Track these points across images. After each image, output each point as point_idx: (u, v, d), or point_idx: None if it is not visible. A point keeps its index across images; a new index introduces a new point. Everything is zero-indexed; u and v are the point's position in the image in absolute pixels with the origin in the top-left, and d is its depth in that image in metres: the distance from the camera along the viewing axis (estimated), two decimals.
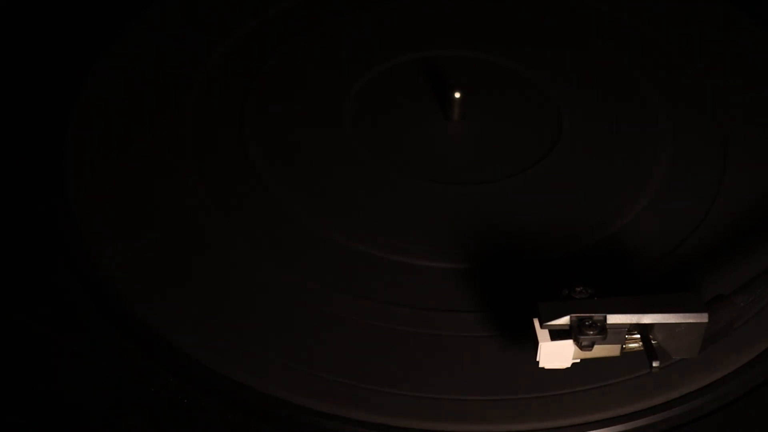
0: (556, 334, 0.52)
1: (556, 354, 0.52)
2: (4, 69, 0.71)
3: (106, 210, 0.62)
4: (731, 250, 0.60)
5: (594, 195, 0.64)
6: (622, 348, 0.53)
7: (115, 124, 0.67)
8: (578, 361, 0.53)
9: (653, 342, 0.52)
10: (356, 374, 0.55)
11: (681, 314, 0.51)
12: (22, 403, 0.54)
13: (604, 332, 0.51)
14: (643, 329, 0.52)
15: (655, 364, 0.51)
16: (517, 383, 0.55)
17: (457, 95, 0.67)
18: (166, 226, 0.62)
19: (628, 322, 0.51)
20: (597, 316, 0.51)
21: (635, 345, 0.52)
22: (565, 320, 0.51)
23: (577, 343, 0.51)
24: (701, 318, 0.52)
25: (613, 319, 0.51)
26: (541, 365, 0.53)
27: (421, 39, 0.73)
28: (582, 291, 0.52)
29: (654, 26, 0.74)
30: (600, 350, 0.52)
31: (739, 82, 0.71)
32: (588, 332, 0.51)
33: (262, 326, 0.57)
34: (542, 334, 0.52)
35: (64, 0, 0.75)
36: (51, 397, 0.55)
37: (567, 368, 0.53)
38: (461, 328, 0.57)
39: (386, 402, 0.54)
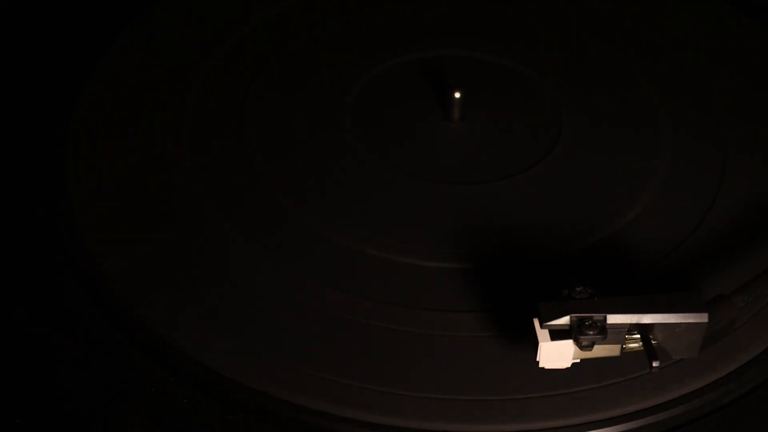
0: (556, 334, 0.52)
1: (556, 354, 0.52)
2: (4, 68, 0.71)
3: (106, 210, 0.62)
4: (731, 250, 0.60)
5: (594, 195, 0.64)
6: (622, 348, 0.53)
7: (115, 123, 0.67)
8: (578, 361, 0.53)
9: (653, 342, 0.52)
10: (356, 374, 0.55)
11: (681, 314, 0.51)
12: (22, 403, 0.54)
13: (604, 332, 0.51)
14: (643, 329, 0.52)
15: (655, 364, 0.51)
16: (516, 383, 0.55)
17: (457, 95, 0.67)
18: (166, 226, 0.62)
19: (628, 322, 0.51)
20: (597, 316, 0.51)
21: (635, 345, 0.52)
22: (565, 320, 0.51)
23: (577, 343, 0.51)
24: (701, 318, 0.52)
25: (613, 319, 0.51)
26: (541, 365, 0.53)
27: (421, 39, 0.73)
28: (582, 291, 0.52)
29: (654, 26, 0.74)
30: (600, 350, 0.52)
31: (739, 82, 0.71)
32: (588, 332, 0.51)
33: (262, 326, 0.57)
34: (542, 334, 0.52)
35: (64, 0, 0.75)
36: (51, 397, 0.55)
37: (567, 368, 0.53)
38: (461, 328, 0.57)
39: (386, 402, 0.54)
